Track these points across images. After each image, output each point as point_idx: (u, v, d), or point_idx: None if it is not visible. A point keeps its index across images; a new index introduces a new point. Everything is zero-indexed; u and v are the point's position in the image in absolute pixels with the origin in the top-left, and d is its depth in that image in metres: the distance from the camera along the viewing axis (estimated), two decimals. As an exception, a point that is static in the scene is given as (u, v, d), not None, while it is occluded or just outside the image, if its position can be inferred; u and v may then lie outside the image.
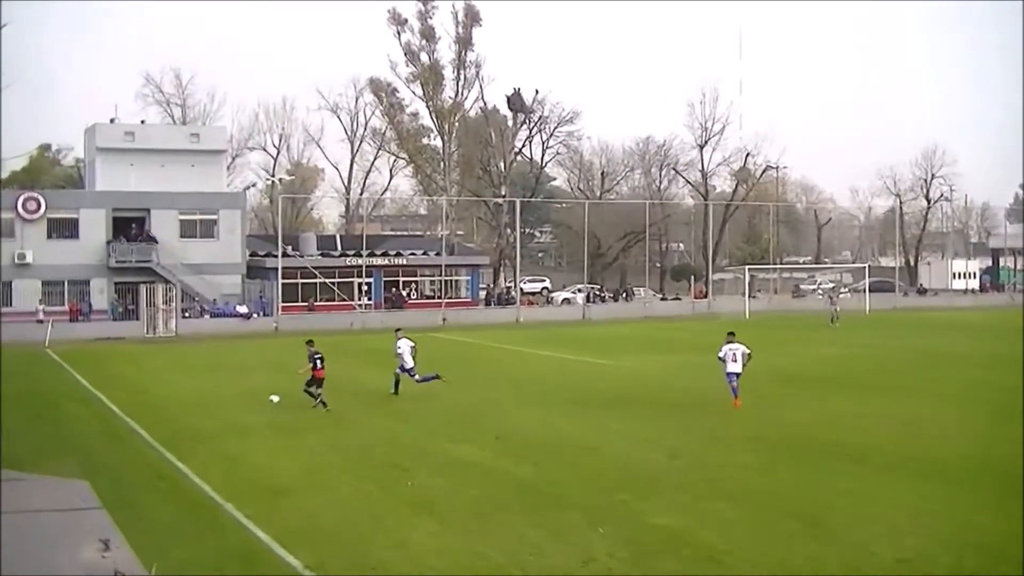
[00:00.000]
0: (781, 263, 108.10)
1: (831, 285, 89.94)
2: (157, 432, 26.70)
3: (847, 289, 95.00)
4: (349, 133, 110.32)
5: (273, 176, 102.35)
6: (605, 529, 17.25)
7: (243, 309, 67.74)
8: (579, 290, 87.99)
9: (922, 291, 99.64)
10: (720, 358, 29.87)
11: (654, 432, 26.26)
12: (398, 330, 34.82)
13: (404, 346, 33.23)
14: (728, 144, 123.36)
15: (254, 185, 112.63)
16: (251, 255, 75.81)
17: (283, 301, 69.14)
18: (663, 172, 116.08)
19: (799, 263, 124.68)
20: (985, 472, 21.15)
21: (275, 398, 30.23)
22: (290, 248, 76.09)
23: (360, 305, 72.78)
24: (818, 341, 52.57)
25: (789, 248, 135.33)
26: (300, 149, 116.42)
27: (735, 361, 29.49)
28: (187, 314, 65.83)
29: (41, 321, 62.34)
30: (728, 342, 29.77)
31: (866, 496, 19.17)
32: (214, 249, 71.22)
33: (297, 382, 30.60)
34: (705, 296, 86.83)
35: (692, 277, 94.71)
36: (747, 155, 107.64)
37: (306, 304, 72.67)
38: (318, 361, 30.16)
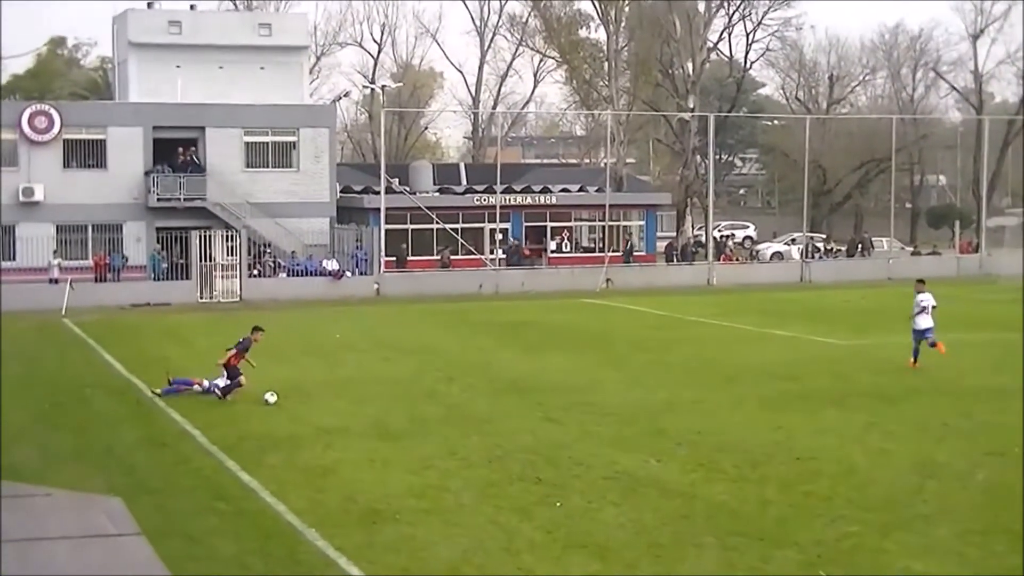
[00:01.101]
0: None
1: None
2: (216, 435, 27.21)
3: None
4: (477, 23, 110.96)
5: (373, 83, 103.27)
6: (829, 572, 17.26)
7: (332, 265, 68.57)
8: (794, 240, 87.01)
9: None
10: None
11: (900, 439, 26.01)
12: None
13: None
14: (1015, 34, 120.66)
15: (347, 95, 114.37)
16: (343, 191, 76.81)
17: (387, 254, 69.65)
18: (918, 75, 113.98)
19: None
20: None
21: (271, 397, 30.85)
22: (397, 182, 76.82)
23: (492, 259, 73.08)
24: None
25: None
26: (410, 45, 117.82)
27: (926, 314, 34.31)
28: (255, 271, 66.86)
29: (56, 280, 63.58)
30: (919, 291, 34.67)
31: None
32: (292, 183, 72.21)
33: (409, 369, 30.88)
34: (976, 250, 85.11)
35: (957, 223, 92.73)
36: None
37: (422, 258, 73.36)
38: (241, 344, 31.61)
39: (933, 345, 35.50)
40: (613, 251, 76.73)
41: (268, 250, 68.99)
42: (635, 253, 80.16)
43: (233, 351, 31.50)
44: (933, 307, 35.76)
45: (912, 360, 36.12)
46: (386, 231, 69.88)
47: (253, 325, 32.95)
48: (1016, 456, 24.41)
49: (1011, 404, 30.53)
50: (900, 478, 22.70)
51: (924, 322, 35.37)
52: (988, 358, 39.38)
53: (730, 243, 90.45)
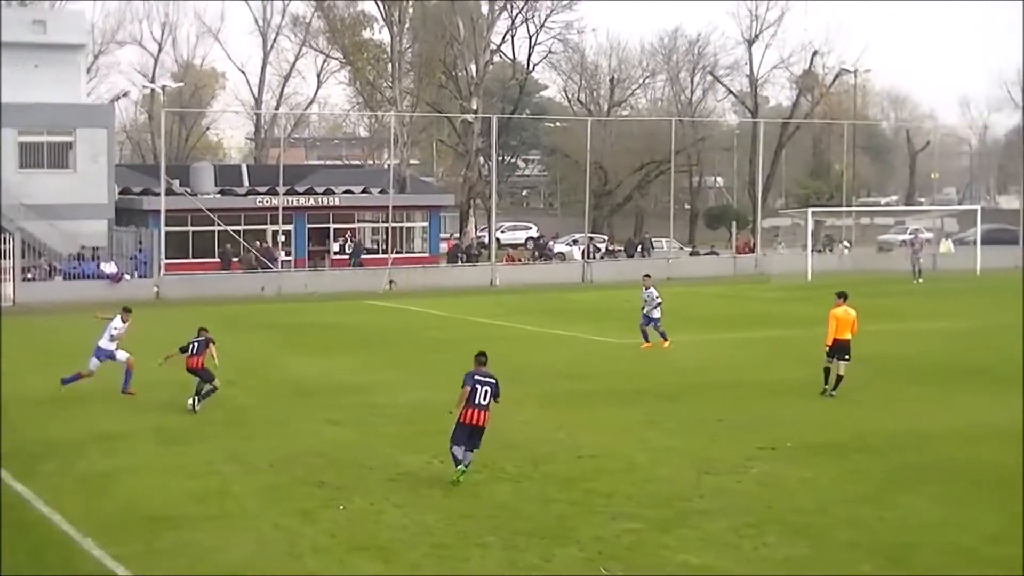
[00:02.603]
0: (859, 204, 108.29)
1: (909, 235, 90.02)
2: (-11, 442, 26.61)
3: (928, 234, 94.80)
4: (260, 23, 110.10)
5: (153, 82, 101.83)
6: (610, 568, 17.59)
7: (110, 268, 67.41)
8: (575, 241, 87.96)
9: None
10: None
11: (679, 436, 26.56)
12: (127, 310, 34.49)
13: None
14: (788, 40, 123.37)
15: (126, 95, 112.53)
16: (122, 192, 75.55)
17: (168, 257, 68.83)
18: (696, 79, 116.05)
19: (884, 204, 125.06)
20: None
21: (192, 402, 30.50)
22: (177, 183, 75.87)
23: (276, 261, 72.59)
24: (908, 313, 52.83)
25: (871, 184, 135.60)
26: (192, 45, 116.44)
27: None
28: (31, 275, 65.41)
29: None
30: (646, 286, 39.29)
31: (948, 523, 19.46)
32: (69, 184, 70.70)
33: (186, 375, 30.52)
34: (752, 250, 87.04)
35: (734, 224, 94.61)
36: (814, 54, 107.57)
37: (202, 260, 72.57)
38: (196, 345, 30.44)
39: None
40: (398, 252, 76.82)
41: (43, 253, 67.44)
42: (418, 255, 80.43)
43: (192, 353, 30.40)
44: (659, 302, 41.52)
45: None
46: (166, 233, 68.99)
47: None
48: (787, 450, 25.10)
49: (783, 399, 31.52)
50: (679, 474, 23.19)
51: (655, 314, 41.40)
52: (761, 355, 40.49)
53: (513, 244, 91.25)
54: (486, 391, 22.47)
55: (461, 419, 22.46)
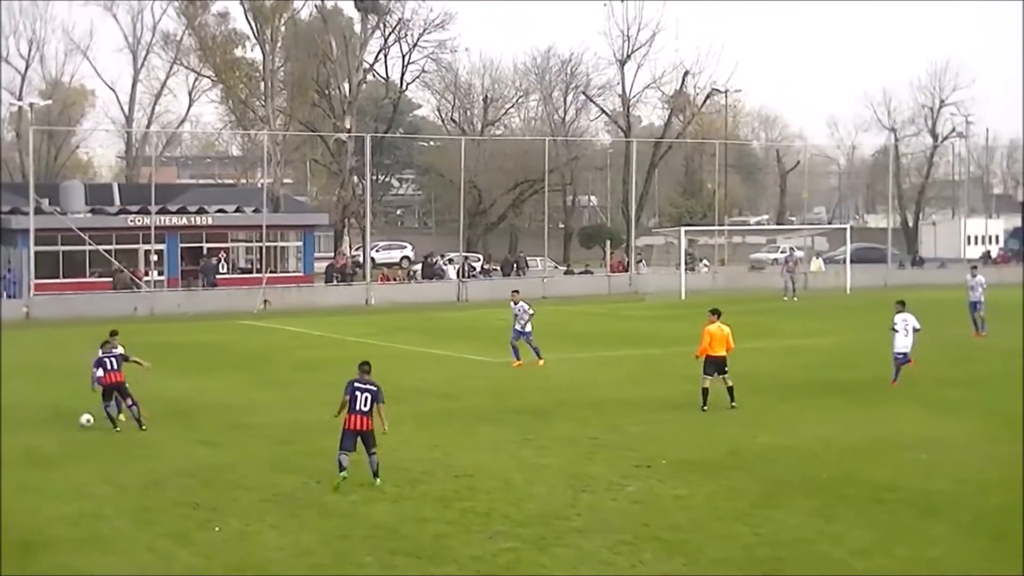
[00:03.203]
0: (731, 223, 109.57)
1: (782, 254, 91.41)
2: None
3: (800, 252, 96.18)
4: (130, 40, 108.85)
5: (20, 100, 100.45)
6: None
7: (-22, 288, 66.58)
8: (451, 260, 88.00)
9: (919, 262, 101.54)
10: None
11: (554, 454, 26.64)
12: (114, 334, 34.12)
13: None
14: (660, 60, 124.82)
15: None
16: (-10, 212, 74.49)
17: (37, 276, 68.01)
18: (569, 98, 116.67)
19: (756, 223, 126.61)
20: None
21: (87, 418, 30.21)
22: (47, 202, 74.95)
23: (146, 282, 72.00)
24: (779, 330, 53.51)
25: (742, 203, 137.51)
26: (60, 62, 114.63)
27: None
28: None
29: None
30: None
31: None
32: (-64, 203, 69.77)
33: (62, 394, 30.19)
34: (626, 268, 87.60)
35: (608, 242, 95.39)
36: (685, 74, 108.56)
37: (72, 280, 71.73)
38: (113, 361, 30.06)
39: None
40: (272, 271, 76.42)
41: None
42: (292, 274, 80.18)
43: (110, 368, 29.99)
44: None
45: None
46: (36, 253, 68.15)
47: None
48: (662, 467, 25.32)
49: (656, 416, 31.77)
50: (555, 492, 23.27)
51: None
52: (635, 372, 40.84)
53: (388, 263, 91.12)
54: (366, 397, 23.58)
55: (345, 426, 23.57)
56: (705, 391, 32.31)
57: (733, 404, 32.26)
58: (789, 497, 22.83)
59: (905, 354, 36.14)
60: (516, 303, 42.84)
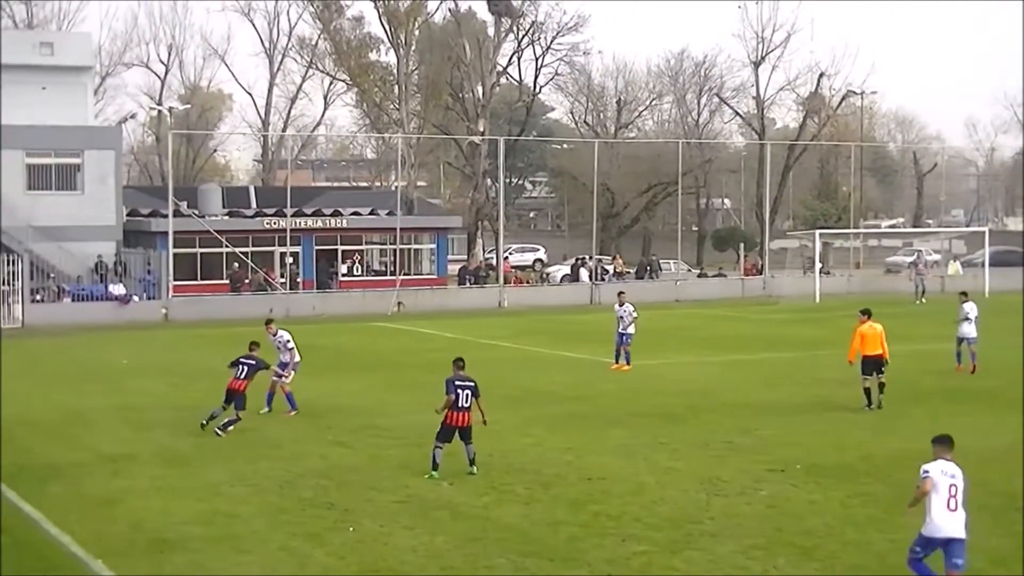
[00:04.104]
0: (866, 226, 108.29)
1: (912, 256, 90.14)
2: (-5, 465, 26.65)
3: (935, 255, 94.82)
4: (267, 44, 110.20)
5: (160, 104, 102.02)
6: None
7: (119, 289, 67.44)
8: (583, 263, 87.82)
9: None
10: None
11: (686, 458, 26.51)
12: (269, 322, 34.63)
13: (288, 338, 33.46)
14: (794, 62, 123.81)
15: (133, 116, 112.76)
16: (130, 214, 75.55)
17: (176, 278, 68.83)
18: (703, 101, 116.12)
19: (891, 226, 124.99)
20: None
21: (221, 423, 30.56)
22: (185, 205, 75.90)
23: (282, 283, 72.65)
24: (912, 334, 52.78)
25: (878, 206, 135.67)
26: (198, 67, 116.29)
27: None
28: (39, 297, 65.47)
29: None
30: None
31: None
32: (77, 206, 70.70)
33: (197, 395, 30.53)
34: (759, 272, 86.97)
35: (742, 245, 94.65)
36: (820, 76, 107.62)
37: (210, 282, 72.55)
38: (245, 369, 30.33)
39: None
40: (405, 274, 76.78)
41: (52, 275, 67.40)
42: (426, 276, 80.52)
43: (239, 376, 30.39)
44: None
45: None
46: (175, 255, 69.02)
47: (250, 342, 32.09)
48: (795, 472, 25.06)
49: (789, 420, 31.51)
50: (687, 496, 23.14)
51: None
52: (768, 376, 40.43)
53: (521, 266, 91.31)
54: (467, 394, 24.98)
55: (446, 421, 24.84)
56: (867, 391, 32.74)
57: (879, 404, 32.47)
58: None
59: (974, 339, 40.36)
60: (622, 304, 42.84)
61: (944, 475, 16.97)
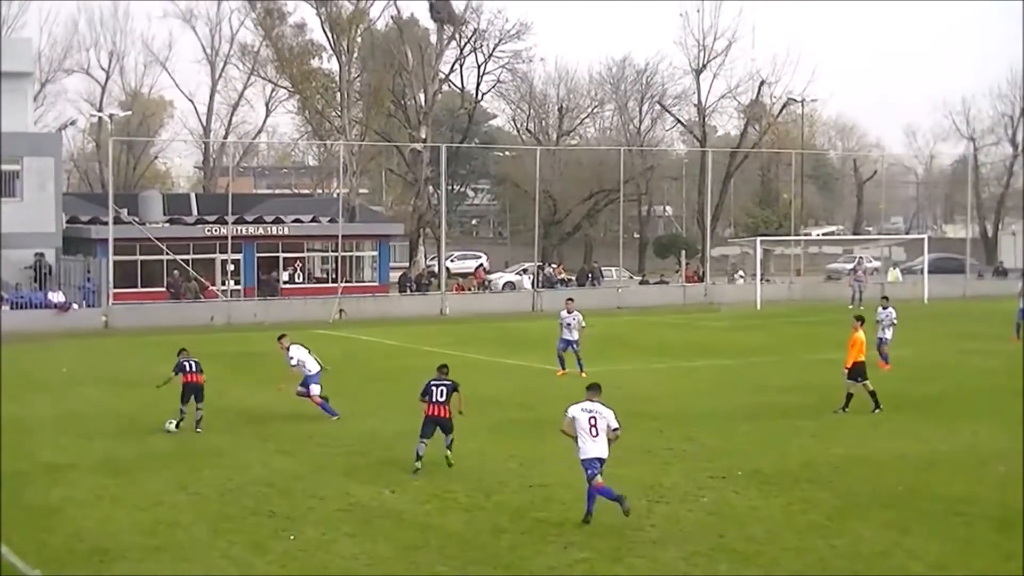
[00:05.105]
0: (807, 234, 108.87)
1: (853, 263, 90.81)
2: (-67, 474, 26.35)
3: (875, 262, 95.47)
4: (208, 51, 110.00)
5: (101, 111, 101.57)
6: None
7: (58, 297, 67.02)
8: (525, 270, 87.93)
9: (1002, 271, 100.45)
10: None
11: (629, 464, 26.52)
12: (282, 336, 34.61)
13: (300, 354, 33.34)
14: (736, 69, 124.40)
15: (73, 123, 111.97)
16: (70, 221, 75.14)
17: (116, 286, 68.47)
18: (645, 108, 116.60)
19: (828, 234, 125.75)
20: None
21: (171, 425, 30.82)
22: (126, 212, 75.54)
23: (224, 291, 72.47)
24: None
25: (819, 213, 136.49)
26: (139, 73, 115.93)
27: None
28: (-22, 304, 64.97)
29: None
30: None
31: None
32: (16, 212, 70.11)
33: (138, 403, 30.42)
34: (701, 279, 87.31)
35: (683, 253, 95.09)
36: (761, 84, 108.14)
37: (150, 290, 72.23)
38: (193, 364, 31.15)
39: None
40: (347, 281, 76.69)
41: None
42: (368, 283, 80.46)
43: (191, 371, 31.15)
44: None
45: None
46: (115, 262, 68.67)
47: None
48: (737, 478, 25.20)
49: (731, 427, 31.69)
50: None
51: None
52: (709, 383, 40.64)
53: (463, 273, 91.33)
54: (442, 390, 26.29)
55: (426, 413, 26.02)
56: (849, 396, 33.67)
57: (878, 404, 33.47)
58: (864, 510, 22.68)
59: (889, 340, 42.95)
60: (570, 312, 42.99)
61: (584, 411, 21.89)
